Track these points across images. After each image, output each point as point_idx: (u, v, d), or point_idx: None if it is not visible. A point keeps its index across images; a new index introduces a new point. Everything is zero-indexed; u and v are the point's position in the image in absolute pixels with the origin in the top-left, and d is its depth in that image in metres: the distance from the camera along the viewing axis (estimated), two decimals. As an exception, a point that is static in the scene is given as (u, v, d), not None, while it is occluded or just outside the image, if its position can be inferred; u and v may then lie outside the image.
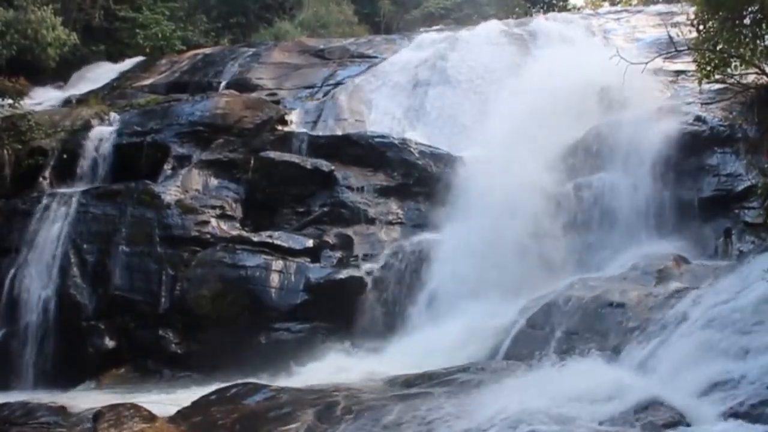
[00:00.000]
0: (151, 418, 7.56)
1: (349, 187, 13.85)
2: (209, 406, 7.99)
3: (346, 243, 13.11)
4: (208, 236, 13.17)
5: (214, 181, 14.04)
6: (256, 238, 13.03)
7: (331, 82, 17.48)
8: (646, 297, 9.06)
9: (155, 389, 11.08)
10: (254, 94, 16.60)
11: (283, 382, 9.64)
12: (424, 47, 18.15)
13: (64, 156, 14.65)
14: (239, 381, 9.23)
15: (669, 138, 11.97)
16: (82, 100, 17.46)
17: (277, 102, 16.48)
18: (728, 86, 12.54)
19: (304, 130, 15.38)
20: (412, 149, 14.18)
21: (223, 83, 17.83)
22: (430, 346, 10.45)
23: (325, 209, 13.70)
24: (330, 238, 13.14)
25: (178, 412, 7.92)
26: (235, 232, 13.29)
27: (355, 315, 12.31)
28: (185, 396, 9.13)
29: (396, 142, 14.37)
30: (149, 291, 12.73)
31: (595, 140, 12.60)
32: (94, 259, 12.96)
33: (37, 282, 12.75)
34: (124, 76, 19.66)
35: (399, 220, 13.56)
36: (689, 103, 12.95)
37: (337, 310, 12.21)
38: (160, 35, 21.93)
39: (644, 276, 9.94)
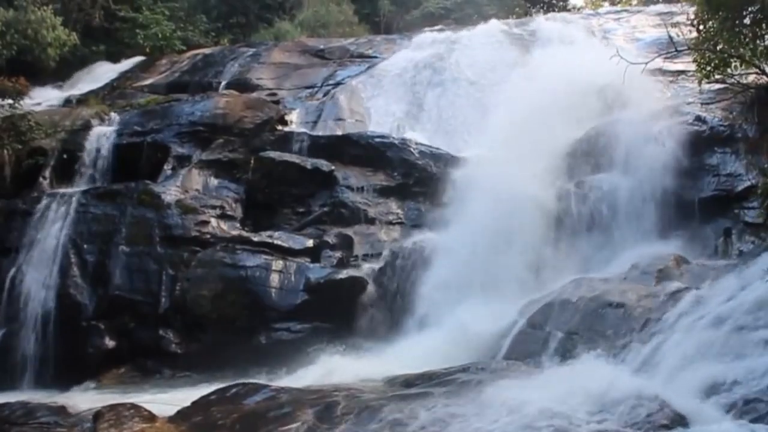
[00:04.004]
0: (151, 418, 7.56)
1: (349, 187, 13.86)
2: (209, 406, 7.98)
3: (346, 243, 13.10)
4: (208, 236, 13.16)
5: (214, 181, 14.04)
6: (256, 238, 13.03)
7: (331, 82, 17.48)
8: (646, 297, 9.05)
9: (155, 389, 11.08)
10: (254, 94, 16.62)
11: (283, 382, 9.64)
12: (424, 47, 18.15)
13: (64, 156, 14.65)
14: (239, 381, 9.22)
15: (669, 138, 11.97)
16: (82, 100, 17.48)
17: (277, 102, 16.49)
18: (728, 86, 12.53)
19: (304, 130, 15.39)
20: (412, 149, 14.19)
21: (223, 83, 17.84)
22: (430, 346, 10.44)
23: (325, 209, 13.70)
24: (330, 238, 13.14)
25: (178, 412, 7.91)
26: (235, 232, 13.29)
27: (355, 315, 12.31)
28: (185, 396, 9.12)
29: (396, 142, 14.38)
30: (149, 291, 12.73)
31: (595, 140, 12.60)
32: (94, 259, 12.95)
33: (37, 282, 12.74)
34: (124, 76, 19.67)
35: (399, 220, 13.56)
36: (689, 103, 12.96)
37: (337, 310, 12.20)
38: (160, 35, 21.95)
39: (644, 276, 9.94)
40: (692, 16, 12.14)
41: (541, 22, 18.78)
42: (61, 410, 8.13)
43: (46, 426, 7.66)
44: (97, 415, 7.61)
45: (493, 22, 18.97)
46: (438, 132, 15.48)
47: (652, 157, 11.88)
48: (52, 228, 13.18)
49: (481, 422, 6.36)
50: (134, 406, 7.83)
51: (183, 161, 14.34)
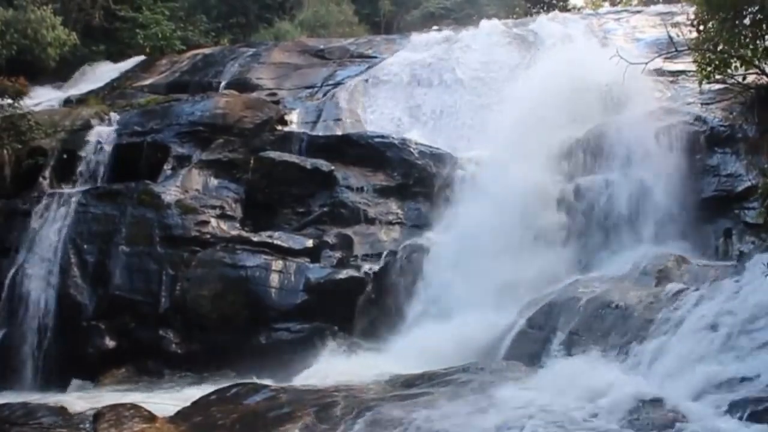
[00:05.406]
0: (151, 418, 7.56)
1: (349, 187, 13.85)
2: (209, 406, 8.00)
3: (346, 243, 13.10)
4: (208, 236, 13.16)
5: (214, 181, 14.04)
6: (256, 238, 13.03)
7: (330, 82, 17.47)
8: (646, 297, 9.06)
9: (155, 389, 11.07)
10: (254, 94, 16.61)
11: (283, 382, 9.65)
12: (424, 47, 18.15)
13: (64, 156, 14.64)
14: (239, 381, 9.25)
15: (669, 138, 11.97)
16: (82, 100, 17.47)
17: (277, 102, 16.48)
18: (728, 86, 12.53)
19: (304, 130, 15.38)
20: (412, 149, 14.18)
21: (223, 83, 17.82)
22: (430, 346, 10.43)
23: (325, 209, 13.69)
24: (330, 238, 13.13)
25: (178, 412, 7.93)
26: (235, 232, 13.29)
27: (355, 315, 12.31)
28: (185, 396, 9.15)
29: (396, 142, 14.36)
30: (149, 291, 12.73)
31: (595, 140, 12.60)
32: (94, 259, 12.95)
33: (37, 282, 12.75)
34: (124, 76, 19.65)
35: (399, 220, 13.56)
36: (689, 104, 12.95)
37: (337, 310, 12.20)
38: (160, 35, 21.96)
39: (644, 276, 9.93)
40: (692, 17, 12.13)
41: (542, 22, 18.75)
42: (61, 410, 8.12)
43: (46, 426, 7.65)
44: (97, 415, 7.61)
45: (494, 22, 18.95)
46: (438, 132, 15.47)
47: (652, 158, 11.88)
48: (52, 228, 13.18)
49: (481, 422, 6.36)
50: (134, 406, 7.83)
51: (183, 161, 14.33)
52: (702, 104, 12.69)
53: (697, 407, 6.39)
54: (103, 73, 20.12)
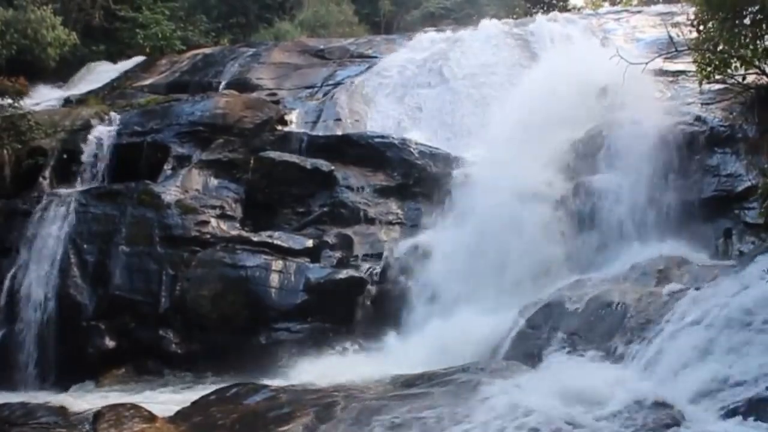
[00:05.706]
0: (151, 418, 7.57)
1: (349, 187, 13.85)
2: (209, 406, 8.01)
3: (346, 243, 13.10)
4: (208, 236, 13.16)
5: (214, 181, 14.04)
6: (256, 238, 13.03)
7: (330, 82, 17.49)
8: (646, 297, 9.05)
9: (155, 389, 11.09)
10: (254, 94, 16.63)
11: (283, 382, 9.64)
12: (424, 47, 18.17)
13: (64, 156, 14.65)
14: (239, 381, 9.25)
15: (669, 138, 11.96)
16: (82, 100, 17.51)
17: (277, 102, 16.50)
18: (728, 87, 12.53)
19: (304, 130, 15.39)
20: (412, 149, 14.18)
21: (223, 83, 17.86)
22: (430, 347, 10.44)
23: (325, 209, 13.70)
24: (330, 238, 13.14)
25: (178, 412, 7.93)
26: (235, 232, 13.29)
27: (355, 315, 12.31)
28: (185, 396, 9.16)
29: (396, 142, 14.37)
30: (149, 291, 12.73)
31: (595, 140, 12.59)
32: (94, 259, 12.95)
33: (37, 282, 12.74)
34: (124, 76, 19.71)
35: (399, 220, 13.56)
36: (689, 104, 12.95)
37: (337, 310, 12.20)
38: (160, 35, 22.01)
39: (644, 276, 9.93)
40: (692, 17, 12.13)
41: (542, 22, 18.76)
42: (61, 410, 8.12)
43: (46, 426, 7.66)
44: (97, 415, 7.62)
45: (494, 22, 18.97)
46: (438, 132, 15.48)
47: (652, 158, 11.87)
48: (52, 228, 13.18)
49: (481, 423, 6.36)
50: (134, 406, 7.84)
51: (183, 161, 14.34)
52: (702, 104, 12.68)
53: (696, 408, 6.39)
54: (103, 73, 20.17)
